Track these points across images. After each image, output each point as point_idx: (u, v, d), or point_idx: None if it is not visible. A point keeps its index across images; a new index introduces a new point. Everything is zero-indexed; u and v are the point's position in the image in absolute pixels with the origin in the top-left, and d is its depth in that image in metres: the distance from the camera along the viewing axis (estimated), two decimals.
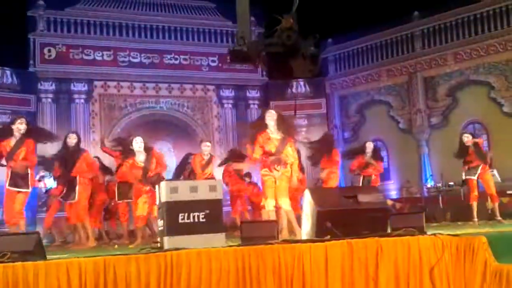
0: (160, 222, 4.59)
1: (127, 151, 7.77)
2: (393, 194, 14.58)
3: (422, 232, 4.86)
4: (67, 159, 7.76)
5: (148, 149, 7.69)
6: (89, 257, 3.87)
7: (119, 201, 8.82)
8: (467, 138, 8.90)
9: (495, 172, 11.19)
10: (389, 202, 12.94)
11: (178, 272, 3.93)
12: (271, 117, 6.60)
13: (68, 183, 7.80)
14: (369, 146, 9.59)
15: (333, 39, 16.15)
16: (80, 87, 13.97)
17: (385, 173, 14.98)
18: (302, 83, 15.87)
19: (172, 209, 4.44)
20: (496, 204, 8.96)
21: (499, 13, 13.52)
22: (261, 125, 6.69)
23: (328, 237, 4.65)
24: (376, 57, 15.47)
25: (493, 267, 4.26)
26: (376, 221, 4.93)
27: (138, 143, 7.62)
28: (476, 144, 8.88)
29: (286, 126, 6.73)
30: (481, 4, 13.70)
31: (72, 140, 7.85)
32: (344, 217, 4.87)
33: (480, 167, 8.84)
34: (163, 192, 4.49)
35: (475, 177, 8.84)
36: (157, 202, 4.73)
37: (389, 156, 14.98)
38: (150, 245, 4.99)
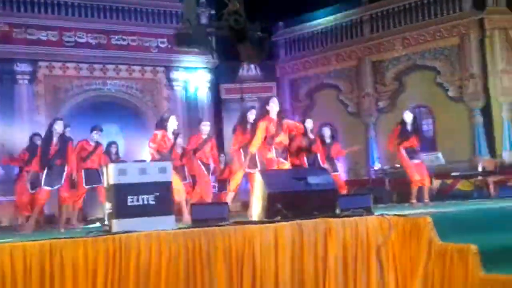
0: (108, 205, 4.52)
1: None
2: (342, 176, 14.80)
3: (369, 212, 4.97)
4: (54, 146, 7.52)
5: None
6: (34, 240, 3.76)
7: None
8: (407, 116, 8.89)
9: (439, 154, 11.55)
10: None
11: (127, 256, 3.88)
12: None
13: (51, 168, 7.54)
14: (309, 122, 8.72)
15: (283, 23, 16.16)
16: (24, 67, 13.49)
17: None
18: (252, 66, 15.84)
19: (120, 191, 4.37)
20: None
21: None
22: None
23: (279, 218, 4.69)
24: (325, 41, 15.58)
25: (437, 246, 4.40)
26: (325, 202, 5.01)
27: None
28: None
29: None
30: None
31: (60, 127, 7.65)
32: (294, 199, 4.93)
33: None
34: (111, 174, 4.41)
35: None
36: (105, 185, 4.64)
37: (338, 139, 15.16)
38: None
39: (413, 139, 8.98)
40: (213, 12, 14.30)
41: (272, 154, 6.90)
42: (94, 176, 8.59)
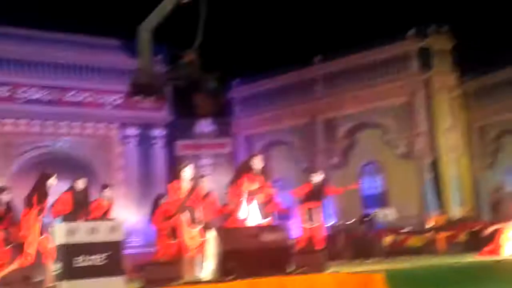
0: (56, 266, 4.38)
1: None
2: (297, 233, 14.79)
3: (323, 269, 4.97)
4: None
5: None
6: None
7: None
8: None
9: (390, 210, 11.75)
10: (292, 241, 13.12)
11: None
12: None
13: None
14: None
15: (239, 81, 16.41)
16: None
17: (289, 212, 15.23)
18: (208, 122, 15.92)
19: (69, 251, 4.25)
20: None
21: (393, 60, 14.34)
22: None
23: (232, 277, 4.64)
24: (280, 99, 15.83)
25: None
26: (279, 260, 4.99)
27: None
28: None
29: None
30: (377, 51, 14.47)
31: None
32: (248, 257, 4.89)
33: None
34: (59, 234, 4.30)
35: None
36: (53, 244, 4.51)
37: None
38: None
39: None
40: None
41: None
42: None
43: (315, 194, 8.71)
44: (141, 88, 4.74)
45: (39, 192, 7.18)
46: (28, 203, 6.67)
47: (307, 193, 8.69)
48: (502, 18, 13.64)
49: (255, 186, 7.63)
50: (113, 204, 8.95)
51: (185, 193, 7.98)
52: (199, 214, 8.05)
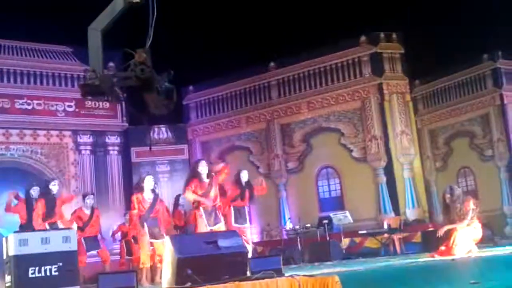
0: (8, 278, 4.26)
1: None
2: (255, 237, 14.84)
3: (280, 274, 5.00)
4: None
5: None
6: None
7: None
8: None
9: (347, 213, 11.91)
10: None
11: None
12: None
13: None
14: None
15: (193, 87, 16.37)
16: None
17: (247, 217, 15.25)
18: (164, 129, 15.82)
19: (21, 263, 4.15)
20: None
21: (346, 66, 14.62)
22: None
23: (189, 284, 4.62)
24: (236, 105, 15.89)
25: None
26: (236, 265, 5.00)
27: None
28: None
29: None
30: (330, 57, 14.72)
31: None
32: (205, 263, 4.88)
33: None
34: (11, 245, 4.19)
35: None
36: (4, 256, 4.39)
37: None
38: None
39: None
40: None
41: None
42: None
43: (243, 194, 8.83)
44: (91, 89, 4.67)
45: None
46: None
47: (235, 193, 8.65)
48: (450, 25, 14.05)
49: (203, 191, 7.80)
50: (97, 212, 9.02)
51: (148, 205, 8.01)
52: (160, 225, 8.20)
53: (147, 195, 8.07)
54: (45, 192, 8.39)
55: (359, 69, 14.51)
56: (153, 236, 8.02)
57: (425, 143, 14.45)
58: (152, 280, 7.86)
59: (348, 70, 14.58)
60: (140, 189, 8.07)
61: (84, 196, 9.10)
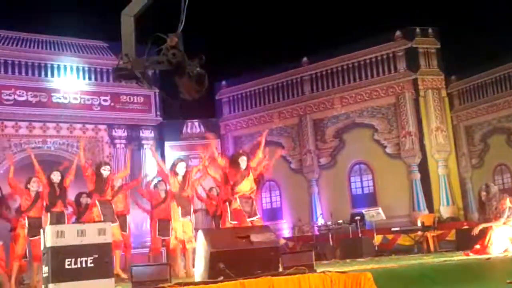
0: (45, 269, 4.36)
1: None
2: (286, 233, 14.85)
3: (312, 270, 4.99)
4: None
5: None
6: None
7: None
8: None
9: (379, 210, 11.81)
10: (282, 241, 13.18)
11: None
12: None
13: None
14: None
15: (226, 82, 16.44)
16: None
17: (278, 212, 15.29)
18: (196, 123, 15.94)
19: (57, 254, 4.23)
20: None
21: (381, 61, 14.47)
22: None
23: (221, 278, 4.64)
24: (268, 100, 15.90)
25: None
26: (268, 260, 5.00)
27: None
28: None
29: None
30: (364, 52, 14.59)
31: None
32: (237, 257, 4.89)
33: None
34: (48, 237, 4.28)
35: None
36: (42, 247, 4.49)
37: (282, 195, 15.31)
38: None
39: None
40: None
41: None
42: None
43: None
44: (124, 73, 4.74)
45: None
46: None
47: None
48: (487, 20, 13.77)
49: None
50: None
51: (179, 185, 8.25)
52: (191, 205, 8.37)
53: (179, 179, 8.36)
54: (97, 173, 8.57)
55: (393, 64, 14.34)
56: (185, 215, 8.18)
57: (460, 139, 14.19)
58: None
59: (383, 65, 14.43)
60: (174, 173, 8.33)
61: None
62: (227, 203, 8.15)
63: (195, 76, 4.69)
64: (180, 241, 8.24)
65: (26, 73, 13.98)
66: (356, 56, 14.69)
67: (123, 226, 9.12)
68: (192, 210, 8.52)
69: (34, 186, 8.41)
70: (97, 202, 8.32)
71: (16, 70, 13.88)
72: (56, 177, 8.51)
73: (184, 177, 8.42)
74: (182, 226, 8.28)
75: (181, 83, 4.73)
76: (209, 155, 8.57)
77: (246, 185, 8.02)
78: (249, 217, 7.92)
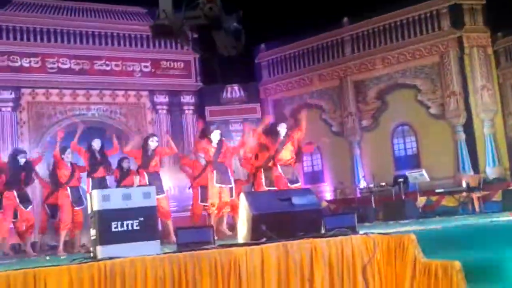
0: (93, 232, 4.49)
1: None
2: (328, 195, 14.86)
3: (354, 232, 4.99)
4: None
5: None
6: (18, 269, 3.73)
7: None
8: None
9: (423, 172, 11.66)
10: (324, 204, 13.21)
11: (113, 282, 3.85)
12: None
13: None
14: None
15: (265, 45, 16.31)
16: (7, 95, 13.45)
17: (319, 175, 15.28)
18: (236, 88, 15.94)
19: (104, 217, 4.35)
20: None
21: (423, 19, 14.06)
22: None
23: (264, 240, 4.69)
24: (307, 62, 15.72)
25: (422, 264, 4.42)
26: (310, 223, 5.03)
27: None
28: None
29: None
30: (406, 10, 14.20)
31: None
32: (279, 220, 4.93)
33: None
34: (95, 201, 4.40)
35: None
36: (89, 211, 4.62)
37: (323, 158, 15.27)
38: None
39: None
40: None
41: None
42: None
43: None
44: (161, 29, 4.74)
45: None
46: None
47: None
48: None
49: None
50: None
51: (213, 151, 8.41)
52: (228, 172, 8.52)
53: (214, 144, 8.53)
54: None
55: (437, 22, 13.91)
56: (221, 181, 8.35)
57: (507, 98, 13.74)
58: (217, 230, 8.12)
59: (426, 23, 14.01)
60: (209, 140, 8.50)
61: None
62: (262, 170, 8.26)
63: (232, 32, 4.65)
64: (217, 207, 8.41)
65: (68, 41, 14.19)
66: (398, 15, 14.31)
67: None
68: (229, 176, 8.63)
69: (68, 157, 8.72)
70: (145, 173, 8.49)
71: (59, 39, 14.10)
72: (96, 144, 8.80)
73: (219, 144, 8.55)
74: (219, 193, 8.43)
75: (218, 38, 4.70)
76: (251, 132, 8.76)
77: (286, 154, 8.05)
78: (290, 183, 7.99)
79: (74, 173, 8.73)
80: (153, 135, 9.21)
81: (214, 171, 8.50)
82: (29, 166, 8.72)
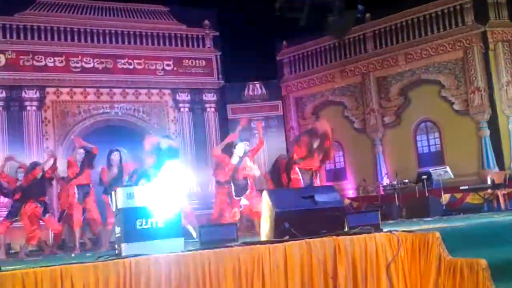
0: (118, 229, 4.54)
1: None
2: (350, 193, 14.79)
3: (378, 229, 4.96)
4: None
5: None
6: (45, 266, 3.79)
7: None
8: None
9: (447, 169, 11.54)
10: (346, 202, 13.15)
11: (137, 279, 3.89)
12: None
13: None
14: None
15: (287, 42, 16.27)
16: (32, 94, 13.64)
17: (342, 173, 15.21)
18: (258, 85, 15.96)
19: (129, 215, 4.40)
20: None
21: (447, 14, 13.89)
22: None
23: (287, 237, 4.69)
24: (329, 59, 15.65)
25: (447, 261, 4.38)
26: (333, 220, 5.01)
27: None
28: None
29: None
30: (429, 5, 14.04)
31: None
32: (302, 217, 4.93)
33: None
34: (119, 198, 4.44)
35: None
36: (113, 209, 4.68)
37: (345, 155, 15.20)
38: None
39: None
40: None
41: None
42: None
43: None
44: (284, 5, 4.95)
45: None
46: None
47: None
48: None
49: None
50: None
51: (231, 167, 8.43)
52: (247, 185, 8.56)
53: (234, 160, 8.55)
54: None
55: (461, 17, 13.72)
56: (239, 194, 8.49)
57: None
58: None
59: (449, 18, 13.84)
60: (230, 153, 8.54)
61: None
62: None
63: (341, 15, 4.78)
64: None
65: (92, 41, 14.34)
66: (421, 10, 14.16)
67: None
68: (248, 190, 8.65)
69: (77, 157, 8.91)
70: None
71: (82, 38, 14.26)
72: (115, 157, 9.03)
73: (241, 158, 8.56)
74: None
75: (329, 20, 4.84)
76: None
77: (310, 163, 7.87)
78: None
79: (82, 171, 8.94)
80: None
81: (233, 186, 8.65)
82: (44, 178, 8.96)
